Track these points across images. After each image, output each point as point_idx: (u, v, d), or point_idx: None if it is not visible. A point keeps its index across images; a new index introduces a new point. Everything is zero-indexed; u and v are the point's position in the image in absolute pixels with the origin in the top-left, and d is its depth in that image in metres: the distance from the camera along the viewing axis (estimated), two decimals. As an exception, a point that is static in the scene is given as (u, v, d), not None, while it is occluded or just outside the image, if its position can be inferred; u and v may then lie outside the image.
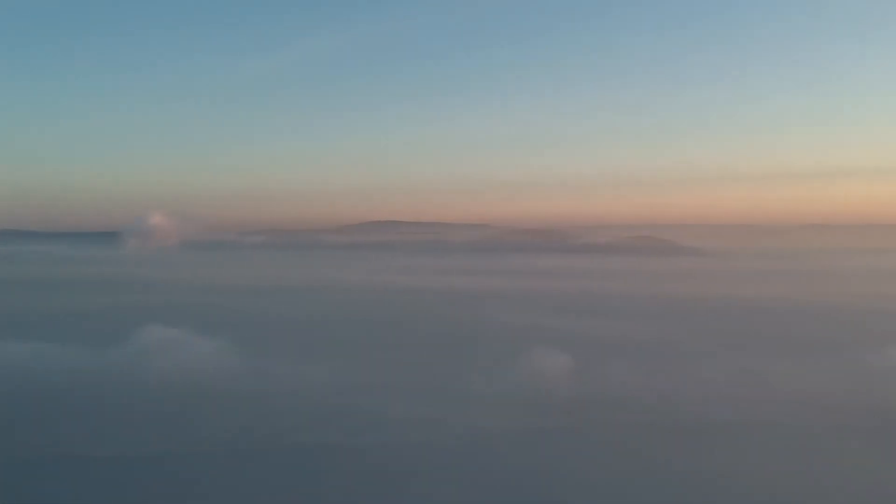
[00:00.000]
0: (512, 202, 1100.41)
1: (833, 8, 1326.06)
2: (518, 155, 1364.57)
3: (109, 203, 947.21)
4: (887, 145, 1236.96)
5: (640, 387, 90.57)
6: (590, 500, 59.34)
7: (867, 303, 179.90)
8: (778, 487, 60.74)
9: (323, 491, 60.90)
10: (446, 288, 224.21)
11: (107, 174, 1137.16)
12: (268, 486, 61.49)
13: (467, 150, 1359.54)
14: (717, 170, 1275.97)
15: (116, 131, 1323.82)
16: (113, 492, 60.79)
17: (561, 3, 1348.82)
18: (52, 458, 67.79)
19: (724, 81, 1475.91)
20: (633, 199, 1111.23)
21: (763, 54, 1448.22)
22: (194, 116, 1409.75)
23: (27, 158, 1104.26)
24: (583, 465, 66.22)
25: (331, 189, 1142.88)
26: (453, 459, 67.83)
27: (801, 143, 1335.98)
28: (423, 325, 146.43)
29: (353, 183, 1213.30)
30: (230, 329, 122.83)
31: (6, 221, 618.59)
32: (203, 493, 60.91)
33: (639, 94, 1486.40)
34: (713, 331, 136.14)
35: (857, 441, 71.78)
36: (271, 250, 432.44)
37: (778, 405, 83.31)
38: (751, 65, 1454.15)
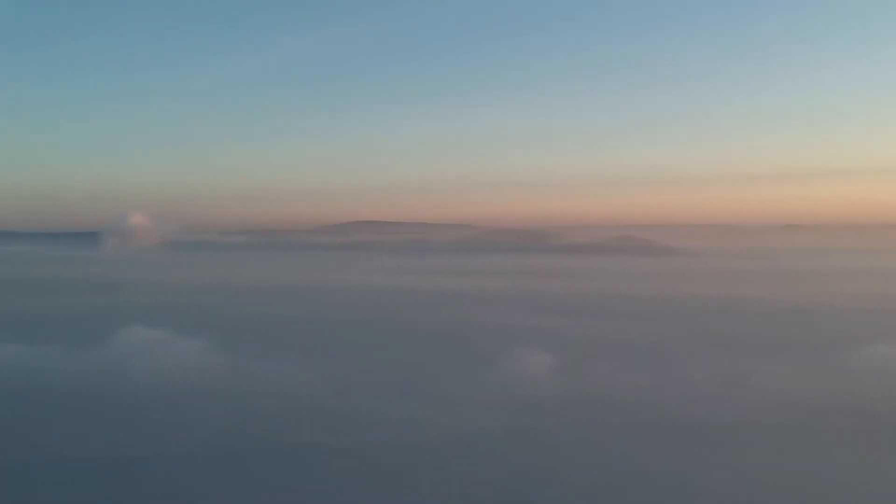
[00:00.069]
0: (494, 202, 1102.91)
1: (802, 8, 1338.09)
2: (500, 155, 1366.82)
3: (90, 203, 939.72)
4: (862, 147, 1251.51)
5: (623, 386, 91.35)
6: (574, 499, 60.01)
7: (846, 302, 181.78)
8: (759, 486, 61.62)
9: (309, 491, 61.18)
10: (429, 288, 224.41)
11: (87, 174, 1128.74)
12: (253, 487, 61.69)
13: (450, 150, 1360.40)
14: (697, 171, 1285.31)
15: (97, 131, 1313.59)
16: (95, 493, 60.72)
17: (543, 3, 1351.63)
18: (33, 460, 67.62)
19: (703, 83, 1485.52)
20: (615, 199, 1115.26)
21: (740, 56, 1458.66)
22: (176, 116, 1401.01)
23: (6, 159, 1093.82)
24: (567, 465, 66.79)
25: (314, 189, 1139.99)
26: (438, 459, 68.26)
27: (778, 145, 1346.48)
28: (406, 325, 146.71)
29: (335, 183, 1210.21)
30: (213, 329, 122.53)
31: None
32: (187, 494, 60.97)
33: (619, 95, 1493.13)
34: (694, 330, 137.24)
35: (837, 440, 72.84)
36: (254, 250, 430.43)
37: (758, 405, 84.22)
38: (728, 67, 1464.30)
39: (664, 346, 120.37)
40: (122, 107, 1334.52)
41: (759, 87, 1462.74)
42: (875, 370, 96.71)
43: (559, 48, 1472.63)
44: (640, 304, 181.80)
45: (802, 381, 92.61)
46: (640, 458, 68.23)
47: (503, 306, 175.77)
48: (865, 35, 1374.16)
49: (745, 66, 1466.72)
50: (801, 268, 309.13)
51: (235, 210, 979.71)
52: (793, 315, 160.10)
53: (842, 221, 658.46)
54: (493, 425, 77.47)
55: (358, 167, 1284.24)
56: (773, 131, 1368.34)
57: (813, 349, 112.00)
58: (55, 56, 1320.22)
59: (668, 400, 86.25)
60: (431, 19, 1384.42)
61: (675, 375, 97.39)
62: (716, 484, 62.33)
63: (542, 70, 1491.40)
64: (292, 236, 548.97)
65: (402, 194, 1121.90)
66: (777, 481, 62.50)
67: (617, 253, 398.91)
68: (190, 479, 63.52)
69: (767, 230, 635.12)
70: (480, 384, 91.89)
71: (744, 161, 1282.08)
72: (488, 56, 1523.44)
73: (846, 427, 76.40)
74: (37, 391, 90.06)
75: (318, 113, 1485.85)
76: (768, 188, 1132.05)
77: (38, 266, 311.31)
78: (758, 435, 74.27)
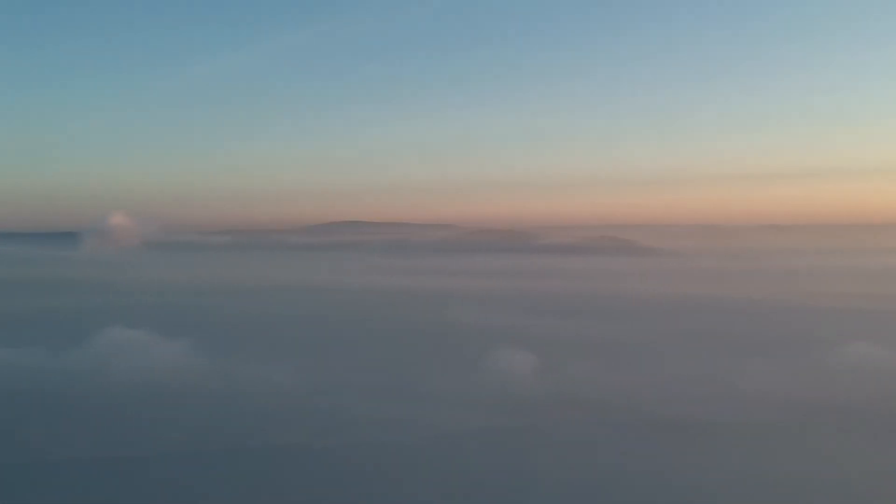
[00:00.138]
0: (478, 202, 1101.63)
1: (778, 9, 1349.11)
2: (484, 155, 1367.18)
3: (69, 203, 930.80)
4: (844, 148, 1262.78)
5: (607, 386, 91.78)
6: (559, 498, 60.20)
7: (825, 302, 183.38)
8: (741, 484, 62.14)
9: (290, 492, 61.02)
10: (413, 288, 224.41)
11: (67, 173, 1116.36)
12: (234, 489, 61.49)
13: (434, 150, 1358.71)
14: (679, 171, 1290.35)
15: (77, 131, 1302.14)
16: (76, 494, 60.36)
17: (523, 4, 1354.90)
18: (13, 462, 67.10)
19: (683, 84, 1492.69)
20: (598, 199, 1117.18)
21: (722, 57, 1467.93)
22: (157, 116, 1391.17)
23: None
24: (552, 464, 67.04)
25: (295, 189, 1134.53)
26: (422, 459, 68.31)
27: (759, 146, 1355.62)
28: (388, 326, 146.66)
29: (317, 183, 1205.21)
30: (195, 330, 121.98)
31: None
32: (168, 495, 60.71)
33: (602, 96, 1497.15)
34: (676, 330, 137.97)
35: (817, 438, 73.62)
36: (235, 251, 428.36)
37: (738, 403, 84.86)
38: (710, 68, 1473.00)
39: (647, 346, 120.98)
40: (102, 107, 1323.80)
41: (739, 89, 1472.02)
42: (855, 369, 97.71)
43: (538, 48, 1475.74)
44: (622, 304, 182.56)
45: (784, 380, 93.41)
46: (624, 458, 68.57)
47: (487, 306, 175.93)
48: (846, 37, 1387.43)
49: (725, 68, 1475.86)
50: (783, 268, 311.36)
51: (217, 210, 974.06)
52: (774, 314, 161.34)
53: (823, 222, 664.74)
54: (478, 425, 77.57)
55: (341, 167, 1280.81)
56: (754, 132, 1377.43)
57: (794, 348, 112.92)
58: (33, 57, 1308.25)
59: (651, 399, 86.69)
60: (414, 19, 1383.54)
61: (657, 375, 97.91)
62: (698, 482, 62.81)
63: (523, 71, 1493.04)
64: (275, 236, 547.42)
65: (386, 194, 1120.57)
66: (759, 479, 63.03)
67: (600, 253, 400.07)
68: (171, 480, 63.21)
69: (749, 230, 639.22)
70: (465, 384, 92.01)
71: (726, 162, 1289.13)
72: (469, 57, 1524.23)
73: (826, 425, 77.21)
74: (17, 393, 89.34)
75: (301, 113, 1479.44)
76: (750, 189, 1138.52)
77: (17, 266, 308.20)
78: (739, 434, 74.83)
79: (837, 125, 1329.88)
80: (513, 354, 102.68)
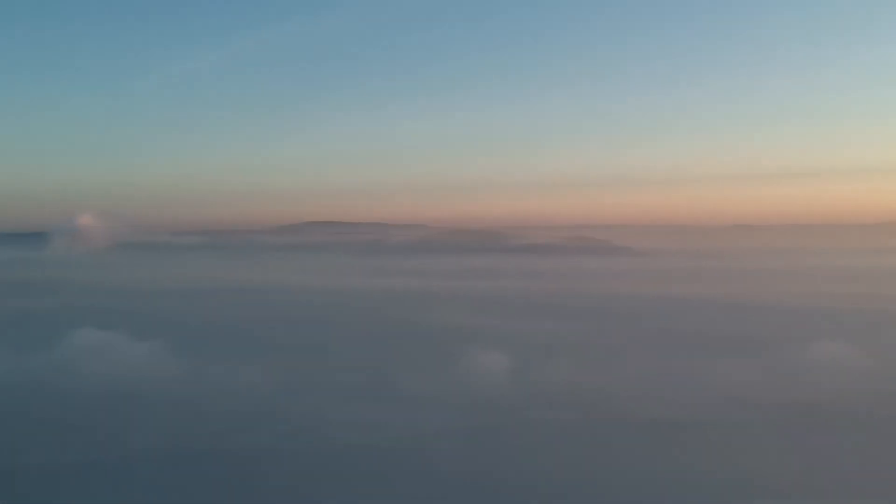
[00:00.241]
0: (450, 203, 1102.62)
1: (760, 12, 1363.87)
2: (456, 156, 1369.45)
3: (37, 203, 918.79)
4: (817, 149, 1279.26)
5: (578, 386, 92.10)
6: (531, 497, 60.36)
7: (798, 301, 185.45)
8: (709, 481, 62.73)
9: (261, 495, 60.67)
10: (384, 288, 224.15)
11: (34, 173, 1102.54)
12: (205, 492, 60.97)
13: (405, 150, 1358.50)
14: (652, 171, 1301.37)
15: (45, 130, 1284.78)
16: (41, 501, 59.56)
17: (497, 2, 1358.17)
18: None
19: (657, 86, 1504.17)
20: (570, 199, 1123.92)
21: (698, 60, 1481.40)
22: (127, 115, 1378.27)
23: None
24: (524, 464, 67.26)
25: (268, 189, 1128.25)
26: (395, 460, 68.18)
27: (731, 147, 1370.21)
28: (361, 326, 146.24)
29: (291, 183, 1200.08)
30: (165, 332, 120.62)
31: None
32: (137, 499, 60.11)
33: (573, 96, 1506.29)
34: (648, 330, 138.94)
35: (782, 436, 74.51)
36: (207, 251, 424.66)
37: (711, 402, 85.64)
38: (684, 69, 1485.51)
39: (621, 346, 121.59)
40: (69, 105, 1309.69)
41: (712, 91, 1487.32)
42: (826, 368, 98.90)
43: (510, 50, 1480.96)
44: (596, 304, 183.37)
45: (756, 380, 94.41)
46: (595, 457, 68.91)
47: (461, 307, 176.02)
48: (827, 39, 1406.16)
49: (701, 70, 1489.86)
50: (757, 268, 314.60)
51: (190, 210, 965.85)
52: (748, 314, 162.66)
53: (796, 222, 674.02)
54: (450, 426, 77.58)
55: (313, 167, 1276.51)
56: (728, 133, 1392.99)
57: (767, 348, 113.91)
58: (3, 54, 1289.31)
59: (624, 399, 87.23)
60: (392, 19, 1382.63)
61: (631, 375, 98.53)
62: (671, 480, 63.23)
63: (494, 72, 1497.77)
64: (247, 237, 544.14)
65: (360, 194, 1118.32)
66: (730, 476, 63.69)
67: (573, 253, 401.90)
68: (141, 483, 62.55)
69: (723, 230, 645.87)
70: (438, 385, 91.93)
71: (699, 162, 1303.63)
72: (441, 59, 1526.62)
73: (791, 423, 78.21)
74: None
75: (275, 112, 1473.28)
76: (724, 189, 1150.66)
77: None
78: (712, 432, 75.47)
79: (811, 127, 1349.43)
80: (486, 355, 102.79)
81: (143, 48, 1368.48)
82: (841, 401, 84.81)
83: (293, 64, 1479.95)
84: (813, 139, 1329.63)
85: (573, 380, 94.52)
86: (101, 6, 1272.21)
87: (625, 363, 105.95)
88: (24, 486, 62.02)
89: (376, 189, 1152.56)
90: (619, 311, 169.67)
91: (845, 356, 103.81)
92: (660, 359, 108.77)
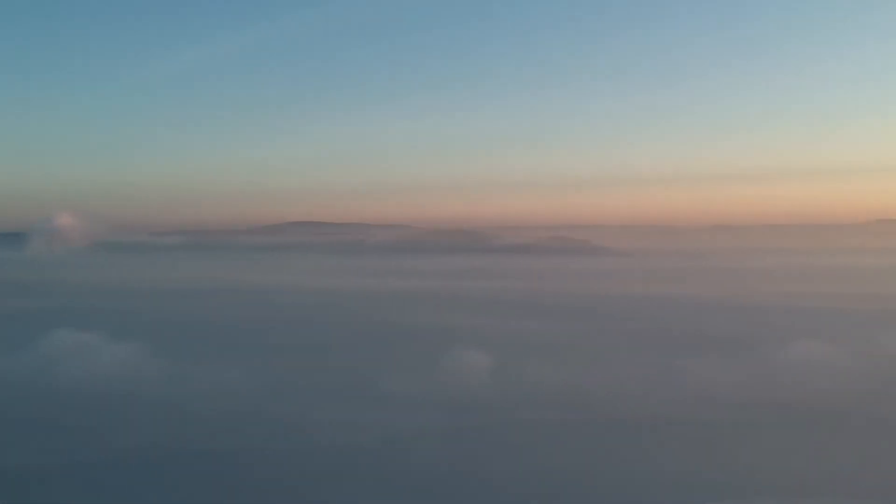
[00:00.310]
0: (431, 203, 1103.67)
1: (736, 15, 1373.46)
2: (438, 156, 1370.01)
3: (14, 202, 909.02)
4: (794, 150, 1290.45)
5: (558, 385, 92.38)
6: (510, 497, 60.43)
7: (772, 301, 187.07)
8: (686, 480, 63.09)
9: (243, 496, 60.36)
10: (367, 289, 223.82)
11: (12, 172, 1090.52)
12: (186, 493, 60.58)
13: (387, 151, 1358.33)
14: (631, 172, 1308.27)
15: (22, 128, 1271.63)
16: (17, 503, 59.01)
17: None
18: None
19: (638, 87, 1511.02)
20: (551, 199, 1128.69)
21: (674, 60, 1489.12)
22: (105, 114, 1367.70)
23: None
24: (503, 464, 67.34)
25: (250, 189, 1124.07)
26: (375, 461, 68.08)
27: (711, 148, 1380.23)
28: (341, 327, 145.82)
29: (271, 183, 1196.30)
30: (145, 333, 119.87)
31: None
32: (114, 502, 59.60)
33: (554, 98, 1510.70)
34: (628, 329, 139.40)
35: (762, 434, 75.05)
36: (187, 251, 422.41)
37: (687, 401, 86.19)
38: (663, 71, 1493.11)
39: (600, 346, 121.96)
40: (48, 104, 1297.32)
41: (695, 92, 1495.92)
42: (801, 366, 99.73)
43: (491, 52, 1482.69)
44: (576, 303, 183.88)
45: (732, 378, 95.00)
46: (575, 456, 69.16)
47: (441, 307, 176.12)
48: (808, 40, 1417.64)
49: (682, 72, 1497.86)
50: (735, 268, 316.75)
51: (169, 210, 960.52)
52: (722, 313, 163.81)
53: (774, 222, 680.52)
54: (430, 426, 77.59)
55: (294, 167, 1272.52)
56: (707, 135, 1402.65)
57: (744, 347, 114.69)
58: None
59: (604, 398, 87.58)
60: (374, 19, 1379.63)
61: (610, 374, 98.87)
62: (650, 478, 63.61)
63: (476, 74, 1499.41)
64: (226, 237, 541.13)
65: (341, 195, 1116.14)
66: (705, 474, 64.15)
67: (554, 253, 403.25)
68: (121, 485, 62.06)
69: (701, 231, 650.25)
70: (418, 385, 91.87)
71: (678, 163, 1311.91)
72: (422, 59, 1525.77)
73: (768, 422, 78.78)
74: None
75: (255, 113, 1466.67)
76: (702, 190, 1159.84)
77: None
78: (689, 431, 75.94)
79: (792, 128, 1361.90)
80: (469, 355, 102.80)
81: (123, 47, 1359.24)
82: (821, 400, 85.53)
83: (275, 64, 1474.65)
84: (793, 140, 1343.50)
85: (555, 380, 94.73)
86: (82, 5, 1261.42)
87: (606, 363, 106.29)
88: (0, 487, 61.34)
89: (359, 189, 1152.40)
90: (600, 311, 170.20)
91: (825, 356, 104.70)
92: (641, 358, 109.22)
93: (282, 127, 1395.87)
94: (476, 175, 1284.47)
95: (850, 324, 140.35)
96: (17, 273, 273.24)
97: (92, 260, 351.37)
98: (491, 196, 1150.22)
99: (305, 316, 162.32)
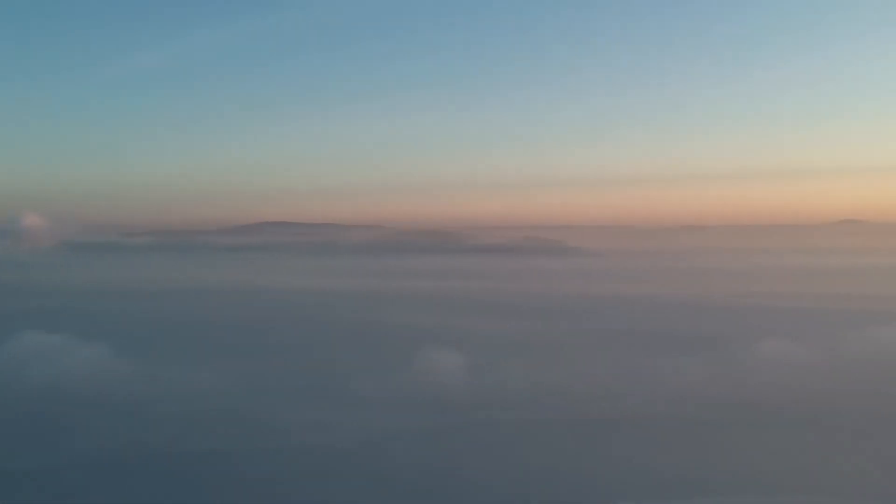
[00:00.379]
0: (405, 203, 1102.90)
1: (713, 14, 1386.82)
2: (410, 156, 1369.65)
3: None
4: (764, 150, 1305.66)
5: (531, 385, 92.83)
6: (481, 497, 60.62)
7: (743, 300, 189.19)
8: (657, 478, 63.72)
9: (214, 499, 59.99)
10: (340, 289, 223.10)
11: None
12: (156, 496, 60.11)
13: (360, 151, 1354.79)
14: (602, 173, 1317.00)
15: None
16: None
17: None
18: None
19: (609, 88, 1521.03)
20: (522, 200, 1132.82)
21: (646, 61, 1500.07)
22: (75, 112, 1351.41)
23: None
24: (476, 464, 67.52)
25: (221, 189, 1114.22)
26: (347, 462, 67.96)
27: (680, 149, 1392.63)
28: (315, 328, 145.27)
29: (244, 183, 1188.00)
30: (114, 334, 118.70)
31: None
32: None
33: (524, 97, 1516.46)
34: (599, 329, 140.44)
35: (729, 432, 75.99)
36: (158, 252, 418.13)
37: (660, 400, 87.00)
38: (635, 72, 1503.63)
39: (572, 345, 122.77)
40: (13, 102, 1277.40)
41: (666, 94, 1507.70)
42: (770, 365, 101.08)
43: (466, 51, 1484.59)
44: (549, 303, 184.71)
45: (702, 377, 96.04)
46: (549, 455, 69.48)
47: (414, 307, 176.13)
48: (769, 42, 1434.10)
49: (653, 73, 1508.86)
50: (704, 268, 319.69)
51: (139, 210, 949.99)
52: (695, 313, 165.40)
53: (743, 222, 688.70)
54: (403, 426, 77.55)
55: (266, 167, 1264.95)
56: (676, 135, 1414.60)
57: (713, 346, 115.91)
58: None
59: (576, 397, 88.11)
60: (335, 15, 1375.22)
61: (582, 373, 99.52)
62: (622, 476, 64.19)
63: (451, 74, 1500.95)
64: (198, 237, 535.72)
65: (313, 195, 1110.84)
66: (676, 471, 64.80)
67: (525, 253, 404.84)
68: (90, 489, 61.38)
69: (671, 231, 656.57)
70: (390, 385, 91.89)
71: (648, 163, 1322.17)
72: (391, 58, 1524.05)
73: (740, 420, 79.76)
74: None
75: (226, 112, 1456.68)
76: (673, 190, 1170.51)
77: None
78: (660, 429, 76.64)
79: (760, 129, 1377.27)
80: (439, 355, 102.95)
81: (92, 45, 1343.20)
82: (789, 398, 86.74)
83: (247, 63, 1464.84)
84: (760, 142, 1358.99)
85: (529, 379, 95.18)
86: (37, 7, 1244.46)
87: (579, 362, 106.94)
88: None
89: (332, 189, 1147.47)
90: (572, 310, 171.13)
91: (790, 354, 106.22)
92: (613, 358, 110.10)
93: (255, 126, 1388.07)
94: (450, 175, 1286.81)
95: (816, 323, 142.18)
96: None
97: (60, 261, 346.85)
98: (464, 196, 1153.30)
99: (279, 316, 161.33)
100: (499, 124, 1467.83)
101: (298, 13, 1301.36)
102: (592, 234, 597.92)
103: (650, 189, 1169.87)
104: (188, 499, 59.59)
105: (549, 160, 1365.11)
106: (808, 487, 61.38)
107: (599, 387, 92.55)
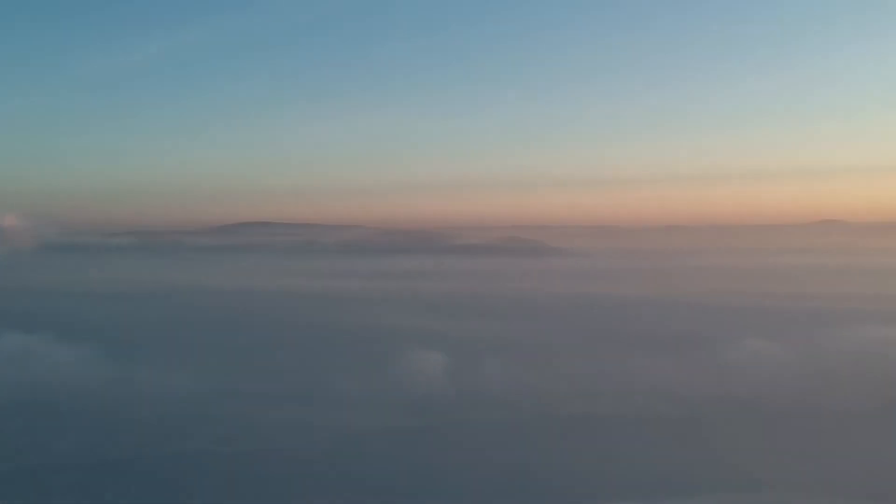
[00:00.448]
0: (385, 203, 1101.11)
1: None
2: (390, 156, 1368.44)
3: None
4: (742, 150, 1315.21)
5: (511, 385, 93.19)
6: (459, 497, 60.73)
7: (723, 299, 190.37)
8: (636, 475, 64.16)
9: (193, 501, 59.71)
10: (320, 290, 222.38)
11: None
12: (135, 498, 59.77)
13: (340, 150, 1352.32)
14: (583, 173, 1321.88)
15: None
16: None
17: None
18: None
19: (591, 90, 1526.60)
20: (503, 200, 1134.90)
21: (630, 61, 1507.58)
22: (53, 111, 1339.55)
23: None
24: (453, 463, 67.66)
25: (200, 189, 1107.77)
26: (326, 462, 67.89)
27: (659, 149, 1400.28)
28: (295, 329, 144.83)
29: (223, 183, 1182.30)
30: (93, 335, 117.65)
31: None
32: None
33: (506, 96, 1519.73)
34: (578, 329, 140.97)
35: (706, 429, 76.71)
36: (137, 252, 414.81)
37: (639, 398, 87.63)
38: (617, 74, 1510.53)
39: (552, 345, 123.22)
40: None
41: (642, 92, 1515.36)
42: (747, 364, 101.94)
43: (444, 52, 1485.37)
44: (529, 304, 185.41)
45: (680, 376, 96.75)
46: (527, 455, 69.78)
47: (394, 308, 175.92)
48: (749, 46, 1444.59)
49: (636, 75, 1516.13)
50: (684, 268, 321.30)
51: (119, 210, 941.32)
52: (674, 313, 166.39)
53: (723, 223, 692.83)
54: (383, 426, 77.66)
55: (246, 167, 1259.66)
56: (656, 136, 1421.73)
57: (692, 345, 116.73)
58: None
59: (555, 397, 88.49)
60: (317, 14, 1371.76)
61: (561, 373, 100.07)
62: (599, 474, 64.66)
63: (427, 73, 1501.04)
64: (178, 238, 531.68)
65: (294, 195, 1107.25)
66: (654, 469, 65.26)
67: (506, 254, 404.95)
68: (68, 490, 60.99)
69: (651, 231, 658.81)
70: (370, 386, 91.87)
71: (628, 164, 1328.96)
72: (372, 58, 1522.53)
73: (718, 417, 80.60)
74: None
75: (207, 112, 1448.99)
76: (653, 190, 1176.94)
77: None
78: (638, 427, 77.24)
79: (741, 130, 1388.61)
80: (419, 355, 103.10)
81: (69, 44, 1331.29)
82: (767, 395, 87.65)
83: (226, 63, 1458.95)
84: (739, 143, 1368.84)
85: (509, 379, 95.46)
86: (21, 10, 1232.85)
87: (560, 362, 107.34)
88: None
89: (311, 189, 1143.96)
90: (553, 310, 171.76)
91: (767, 353, 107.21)
92: (590, 357, 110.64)
93: (234, 126, 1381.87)
94: (430, 175, 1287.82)
95: (794, 322, 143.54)
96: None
97: (38, 262, 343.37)
98: (446, 196, 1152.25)
99: (257, 317, 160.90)
100: (481, 125, 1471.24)
101: (279, 13, 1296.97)
102: (575, 234, 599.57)
103: (632, 189, 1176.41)
104: (163, 501, 59.27)
105: (532, 160, 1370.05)
106: (786, 483, 62.05)
107: (581, 386, 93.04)
